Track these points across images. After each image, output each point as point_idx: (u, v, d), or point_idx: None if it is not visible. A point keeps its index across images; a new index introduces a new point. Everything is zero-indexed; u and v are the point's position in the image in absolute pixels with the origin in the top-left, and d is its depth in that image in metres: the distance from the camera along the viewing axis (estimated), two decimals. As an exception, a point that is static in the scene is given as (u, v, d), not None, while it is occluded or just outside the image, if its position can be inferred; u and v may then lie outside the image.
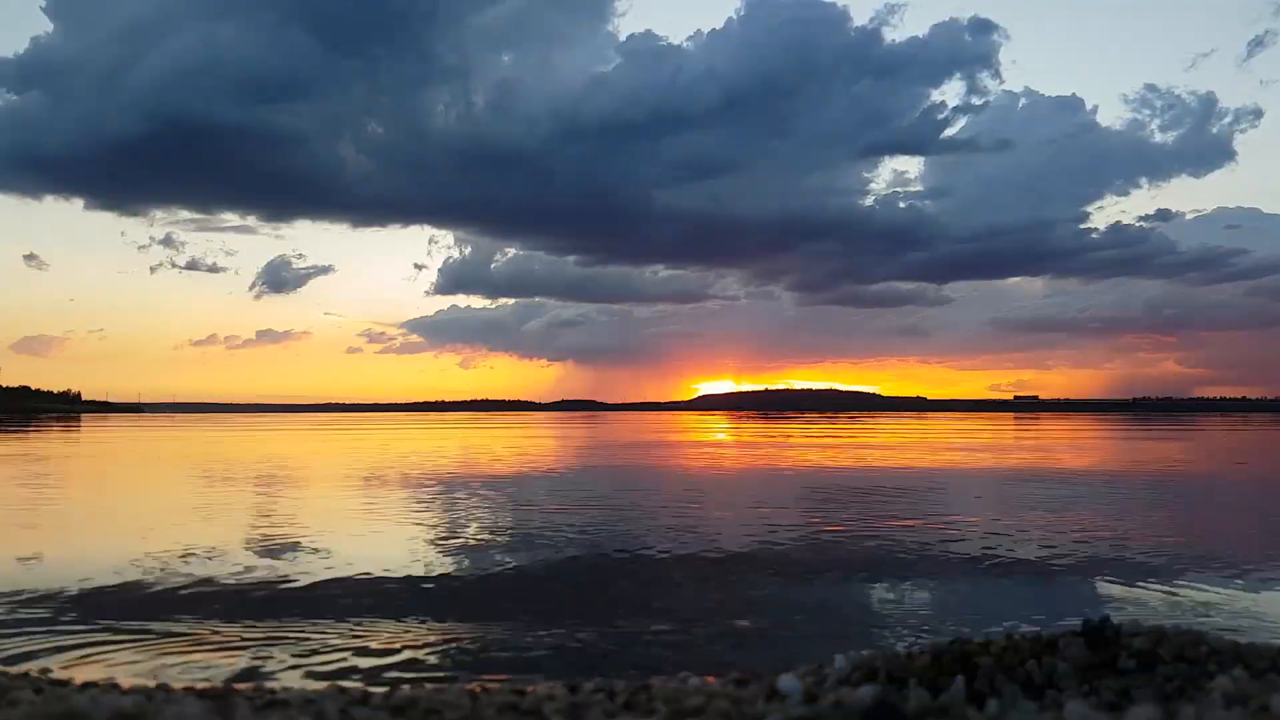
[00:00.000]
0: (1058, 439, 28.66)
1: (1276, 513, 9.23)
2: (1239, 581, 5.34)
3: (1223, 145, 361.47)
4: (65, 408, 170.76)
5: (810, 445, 22.22)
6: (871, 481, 12.36)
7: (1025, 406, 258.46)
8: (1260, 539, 7.06)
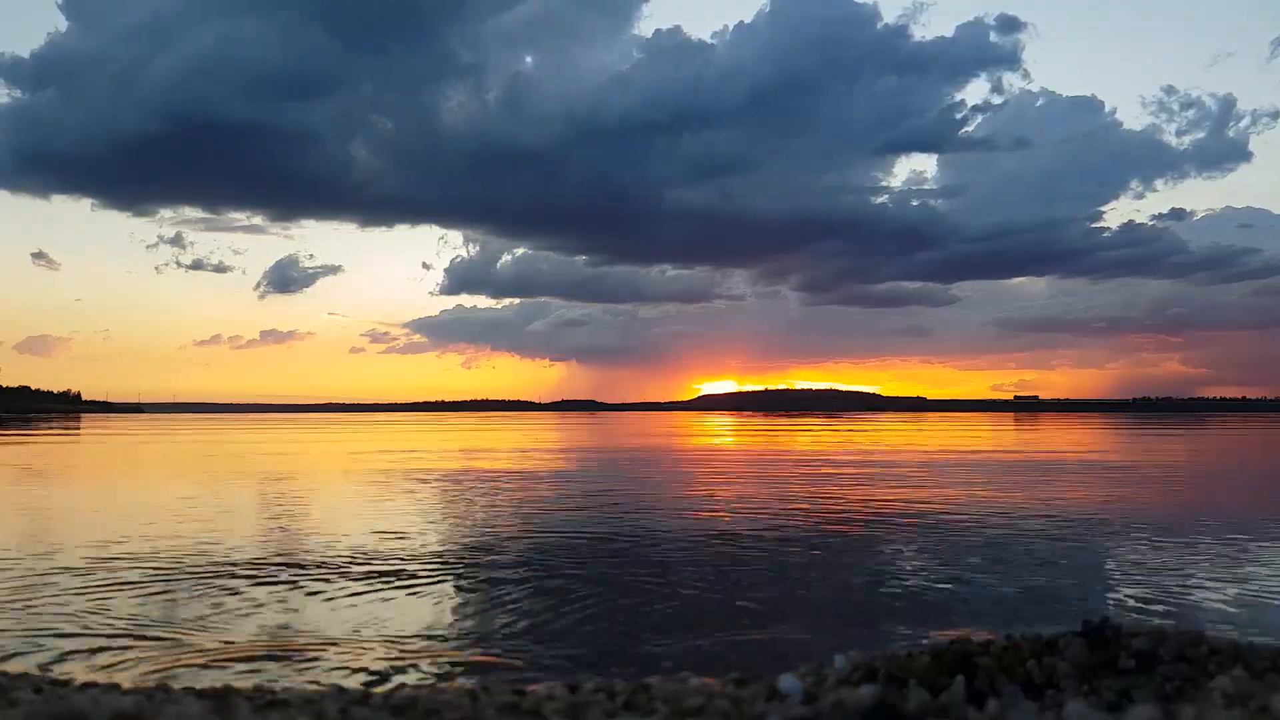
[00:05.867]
0: (1028, 445, 28.65)
1: (1276, 514, 9.24)
2: (1239, 582, 5.34)
3: (1240, 147, 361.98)
4: (65, 408, 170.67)
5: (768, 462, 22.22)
6: (871, 483, 12.37)
7: (1025, 407, 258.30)
8: (1260, 540, 7.06)
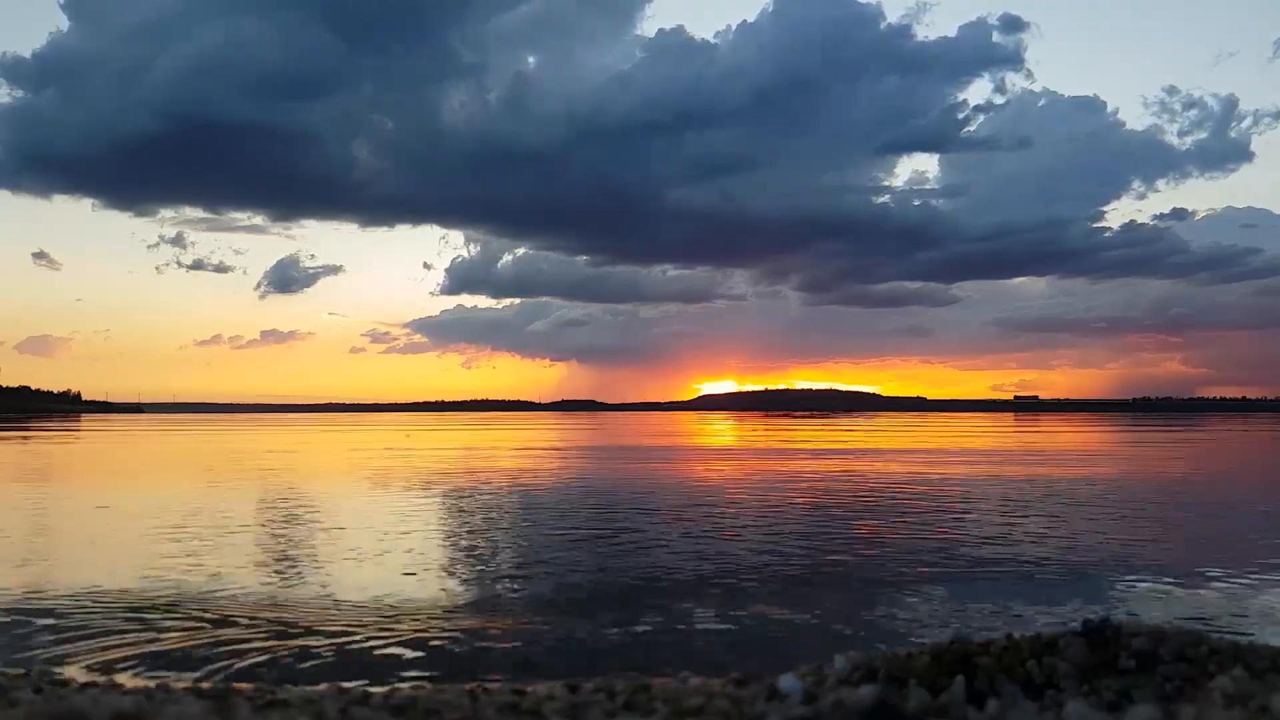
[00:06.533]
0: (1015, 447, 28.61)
1: (1276, 514, 9.24)
2: (1239, 581, 5.34)
3: (1242, 147, 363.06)
4: (65, 408, 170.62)
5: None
6: (872, 481, 12.36)
7: (1025, 407, 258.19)
8: (1260, 540, 7.06)
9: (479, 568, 5.83)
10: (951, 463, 16.70)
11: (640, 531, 7.47)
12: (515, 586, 5.22)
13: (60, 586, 5.13)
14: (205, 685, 2.35)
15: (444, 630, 4.18)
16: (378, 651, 3.78)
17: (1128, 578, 5.50)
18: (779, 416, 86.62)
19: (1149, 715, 1.55)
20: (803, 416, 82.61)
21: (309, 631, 4.13)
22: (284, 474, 14.18)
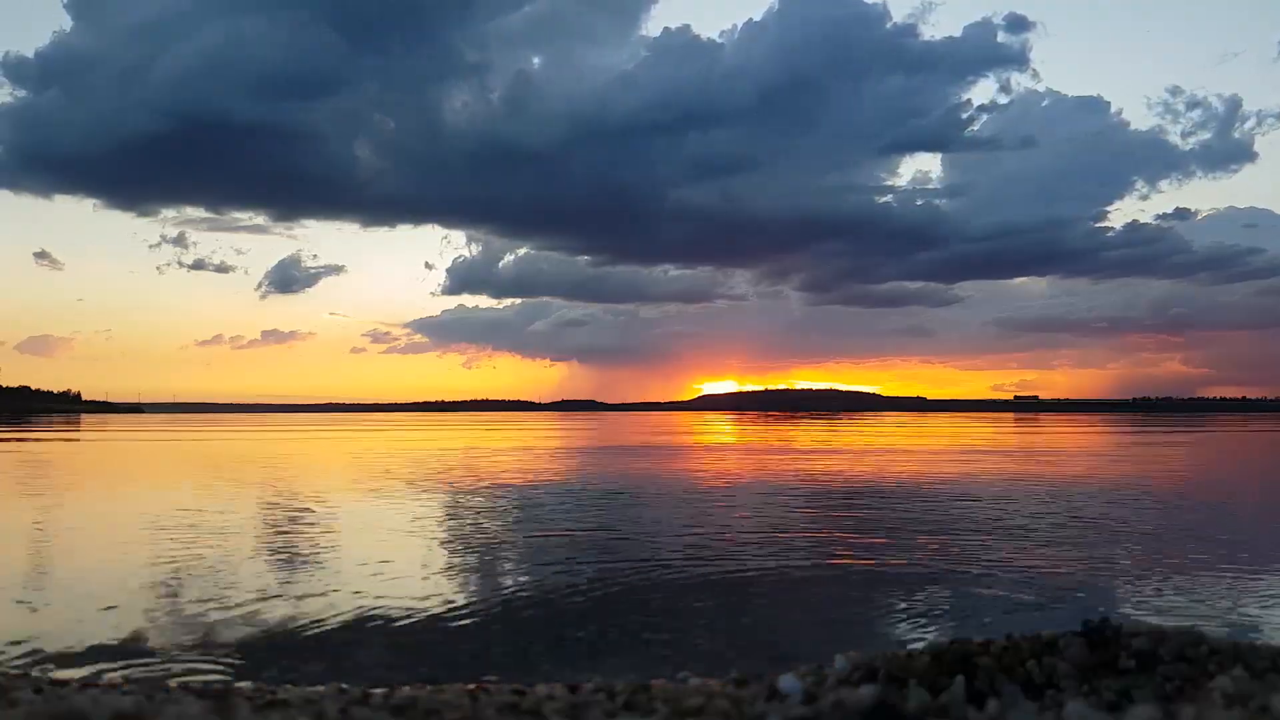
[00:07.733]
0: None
1: (1276, 513, 9.23)
2: (1239, 582, 5.34)
3: (1245, 147, 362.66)
4: (65, 408, 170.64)
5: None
6: (872, 482, 12.36)
7: (1025, 407, 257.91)
8: (1260, 539, 7.06)
9: (479, 567, 5.83)
10: (960, 463, 16.70)
11: (640, 533, 7.47)
12: (516, 586, 5.22)
13: (60, 586, 5.13)
14: (205, 685, 2.35)
15: (444, 630, 4.18)
16: (378, 651, 3.78)
17: (1128, 579, 5.49)
18: (780, 416, 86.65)
19: (1149, 715, 1.55)
20: (807, 418, 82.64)
21: (309, 631, 4.13)
22: (283, 474, 14.18)
